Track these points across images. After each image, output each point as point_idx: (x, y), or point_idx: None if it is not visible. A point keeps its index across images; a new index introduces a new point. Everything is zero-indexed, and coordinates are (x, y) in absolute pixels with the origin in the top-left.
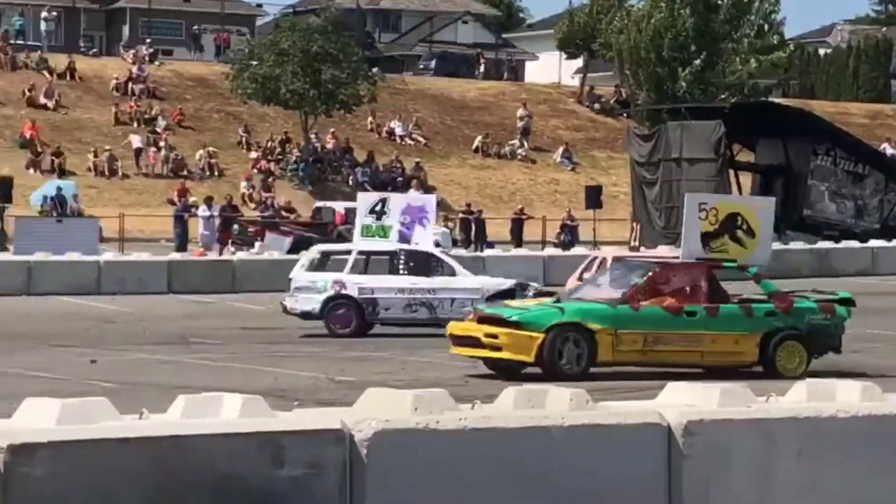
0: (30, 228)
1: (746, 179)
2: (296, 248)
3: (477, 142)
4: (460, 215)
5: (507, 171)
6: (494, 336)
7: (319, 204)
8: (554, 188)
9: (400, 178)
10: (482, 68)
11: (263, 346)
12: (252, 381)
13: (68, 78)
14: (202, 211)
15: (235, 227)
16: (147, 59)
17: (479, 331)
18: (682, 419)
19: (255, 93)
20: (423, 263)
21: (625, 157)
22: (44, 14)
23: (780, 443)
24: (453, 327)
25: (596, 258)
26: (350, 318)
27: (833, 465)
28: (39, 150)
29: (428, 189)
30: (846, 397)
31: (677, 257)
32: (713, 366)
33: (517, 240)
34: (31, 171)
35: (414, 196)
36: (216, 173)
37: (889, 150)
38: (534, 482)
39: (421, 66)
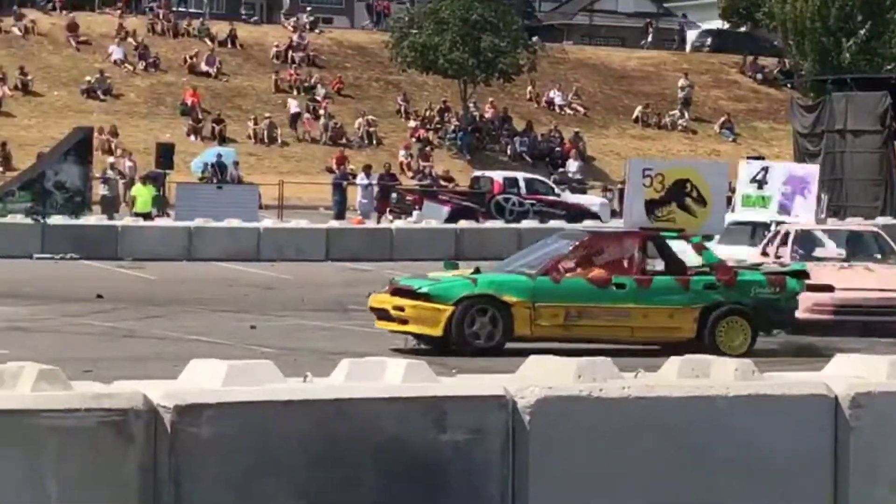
0: (191, 195)
1: None
2: (453, 217)
3: (637, 112)
4: (619, 186)
5: (666, 142)
6: (401, 308)
7: (477, 173)
8: (714, 159)
9: (558, 149)
10: (650, 38)
11: None
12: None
13: (229, 45)
14: (361, 179)
15: (394, 195)
16: (307, 27)
17: (389, 303)
18: (850, 391)
19: (415, 61)
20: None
21: (787, 129)
22: None
23: None
24: (372, 300)
25: (780, 231)
26: None
27: None
28: (200, 117)
29: (586, 159)
30: None
31: (870, 228)
32: (646, 342)
33: None
34: (192, 137)
35: (795, 166)
36: (375, 142)
37: None
38: (696, 452)
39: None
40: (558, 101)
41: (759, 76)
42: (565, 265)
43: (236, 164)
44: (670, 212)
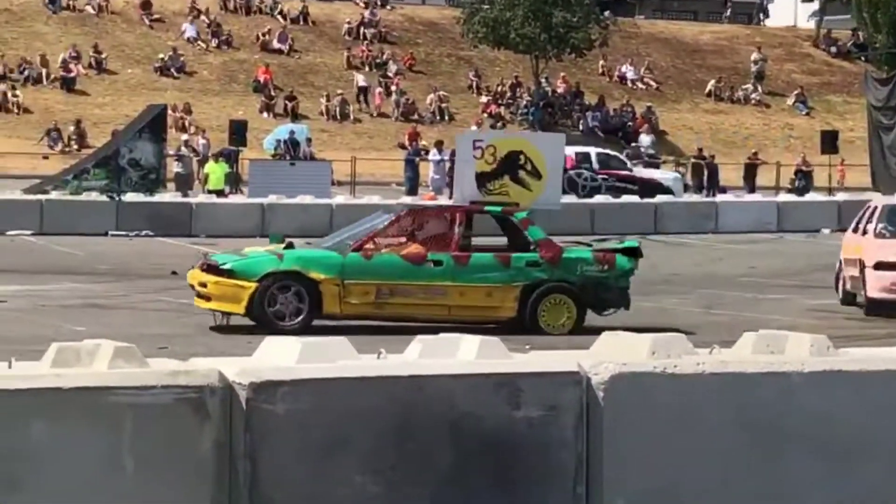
0: (263, 171)
1: None
2: None
3: (710, 86)
4: (692, 160)
5: (739, 116)
6: (204, 285)
7: None
8: (788, 133)
9: (630, 123)
10: (728, 12)
11: None
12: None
13: (301, 22)
14: (433, 155)
15: None
16: (378, 3)
17: (196, 279)
18: None
19: (486, 37)
20: None
21: (861, 102)
22: None
23: None
24: (189, 276)
25: (869, 206)
26: None
27: None
28: (272, 94)
29: (658, 134)
30: None
31: None
32: (464, 321)
33: (750, 185)
34: (265, 114)
35: None
36: (446, 117)
37: None
38: (770, 429)
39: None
40: (630, 75)
41: (833, 49)
42: (380, 241)
43: (309, 140)
44: (503, 185)
